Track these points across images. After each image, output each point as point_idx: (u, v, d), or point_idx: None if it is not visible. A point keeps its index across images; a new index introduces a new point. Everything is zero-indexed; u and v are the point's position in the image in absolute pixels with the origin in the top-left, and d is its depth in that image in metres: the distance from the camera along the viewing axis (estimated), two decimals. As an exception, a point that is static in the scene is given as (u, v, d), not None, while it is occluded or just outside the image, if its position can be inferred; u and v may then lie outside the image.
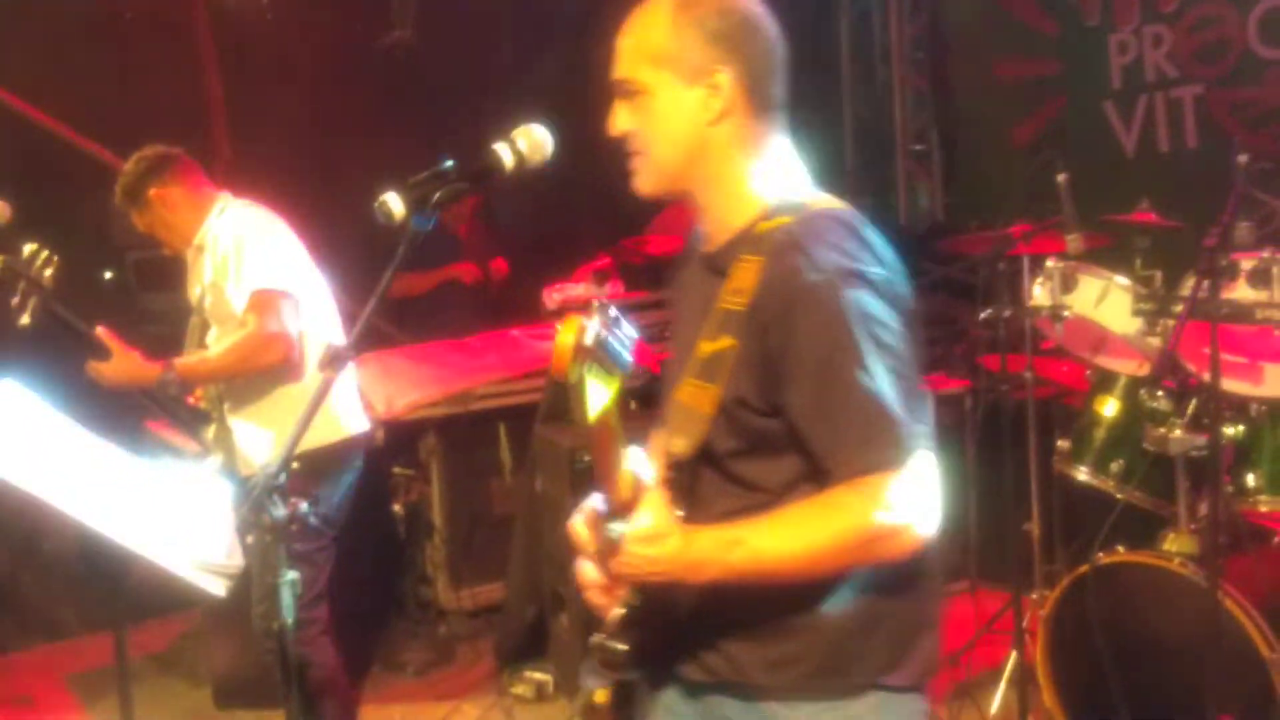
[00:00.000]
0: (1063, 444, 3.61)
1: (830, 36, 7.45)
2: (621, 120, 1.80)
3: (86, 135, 5.24)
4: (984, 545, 4.91)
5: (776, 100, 1.82)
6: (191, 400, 3.58)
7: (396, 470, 4.84)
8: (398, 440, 4.65)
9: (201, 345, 3.55)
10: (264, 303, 3.32)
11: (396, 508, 4.82)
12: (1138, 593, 3.20)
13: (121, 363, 3.30)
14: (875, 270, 1.70)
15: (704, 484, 1.77)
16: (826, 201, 1.80)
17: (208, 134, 5.48)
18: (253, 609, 3.28)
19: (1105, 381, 3.58)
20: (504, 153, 1.86)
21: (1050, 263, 3.53)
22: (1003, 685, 3.77)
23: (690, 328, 1.82)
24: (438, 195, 1.89)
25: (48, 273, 3.24)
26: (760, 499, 1.73)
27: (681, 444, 1.72)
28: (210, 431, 3.58)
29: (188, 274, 3.66)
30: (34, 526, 4.31)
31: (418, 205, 1.88)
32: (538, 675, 4.25)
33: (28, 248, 3.25)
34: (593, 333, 1.49)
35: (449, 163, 1.90)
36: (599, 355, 1.50)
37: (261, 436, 3.47)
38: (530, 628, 4.33)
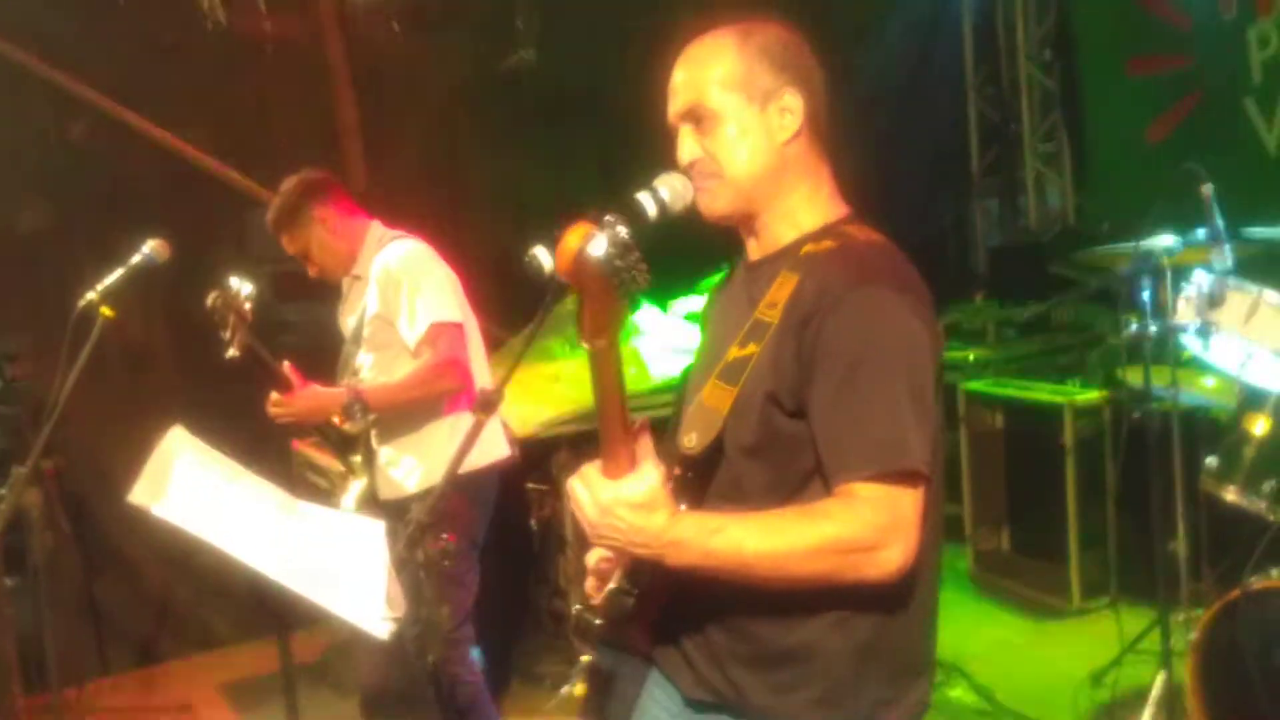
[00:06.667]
0: (1211, 461, 3.50)
1: (953, 39, 7.34)
2: (691, 147, 1.86)
3: (226, 163, 5.41)
4: (1125, 561, 4.81)
5: (825, 125, 1.90)
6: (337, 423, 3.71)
7: (530, 486, 4.94)
8: (531, 457, 4.73)
9: (354, 372, 3.67)
10: (440, 335, 3.44)
11: (532, 523, 4.92)
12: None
13: (309, 394, 3.46)
14: (915, 297, 1.74)
15: (711, 483, 1.80)
16: (869, 231, 1.86)
17: (343, 161, 5.62)
18: (405, 632, 3.39)
19: (1255, 398, 3.47)
20: (646, 201, 1.82)
21: (1195, 277, 3.43)
22: (1150, 708, 3.69)
23: (722, 336, 1.89)
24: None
25: (248, 306, 3.39)
26: (760, 505, 1.75)
27: (694, 440, 1.77)
28: (356, 456, 3.71)
29: (342, 302, 3.77)
30: (188, 542, 4.48)
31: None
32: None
33: (233, 281, 3.39)
34: (601, 246, 1.48)
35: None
36: (605, 269, 1.48)
37: (405, 463, 3.59)
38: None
